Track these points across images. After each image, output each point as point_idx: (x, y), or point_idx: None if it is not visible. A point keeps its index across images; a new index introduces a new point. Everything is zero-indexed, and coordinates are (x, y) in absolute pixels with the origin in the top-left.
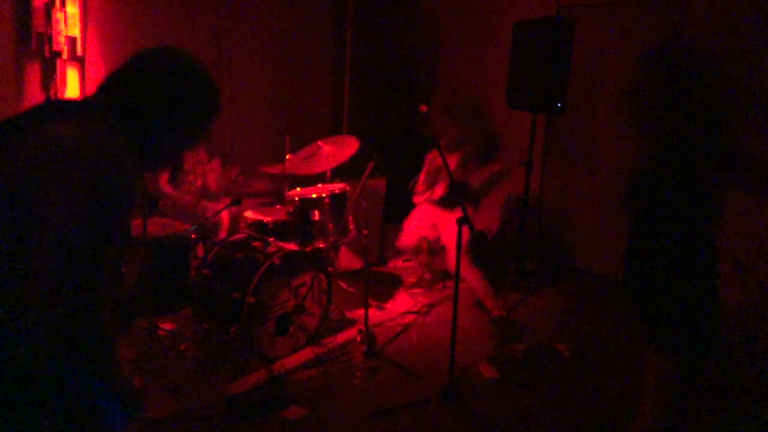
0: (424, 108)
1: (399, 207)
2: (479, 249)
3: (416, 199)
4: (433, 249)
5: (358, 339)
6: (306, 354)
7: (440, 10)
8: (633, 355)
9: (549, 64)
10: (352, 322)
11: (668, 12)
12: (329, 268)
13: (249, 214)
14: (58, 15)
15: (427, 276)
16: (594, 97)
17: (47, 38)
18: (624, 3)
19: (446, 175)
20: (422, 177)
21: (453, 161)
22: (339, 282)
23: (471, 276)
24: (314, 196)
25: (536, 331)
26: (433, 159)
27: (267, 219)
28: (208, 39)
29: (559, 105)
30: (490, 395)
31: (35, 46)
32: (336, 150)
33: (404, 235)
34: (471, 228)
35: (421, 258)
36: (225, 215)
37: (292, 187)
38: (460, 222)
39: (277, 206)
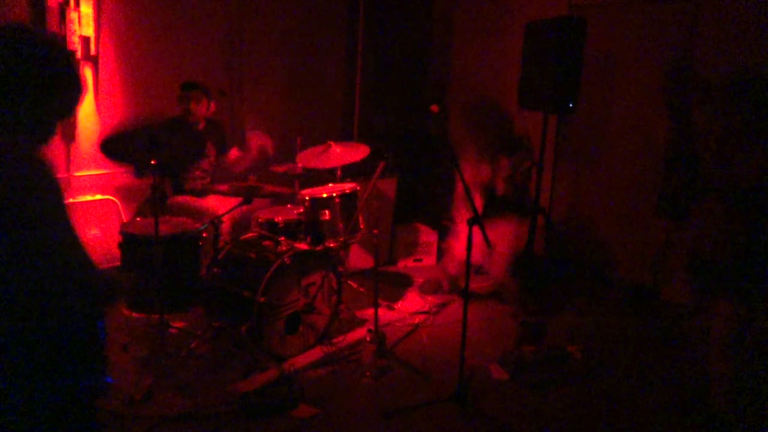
0: (435, 108)
1: (409, 207)
2: (523, 256)
3: (451, 224)
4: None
5: (368, 339)
6: (316, 353)
7: (452, 10)
8: (642, 357)
9: (561, 64)
10: (361, 322)
11: (681, 11)
12: (339, 268)
13: (260, 213)
14: (72, 15)
15: (444, 287)
16: (606, 98)
17: (61, 38)
18: (636, 2)
19: (482, 188)
20: (457, 201)
21: (485, 171)
22: (349, 281)
23: (507, 280)
24: (325, 195)
25: (548, 333)
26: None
27: (278, 218)
28: (220, 39)
29: (570, 105)
30: (500, 396)
31: None
32: (346, 151)
33: (451, 254)
34: (481, 228)
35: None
36: (226, 217)
37: (303, 187)
38: (471, 222)
39: (288, 206)
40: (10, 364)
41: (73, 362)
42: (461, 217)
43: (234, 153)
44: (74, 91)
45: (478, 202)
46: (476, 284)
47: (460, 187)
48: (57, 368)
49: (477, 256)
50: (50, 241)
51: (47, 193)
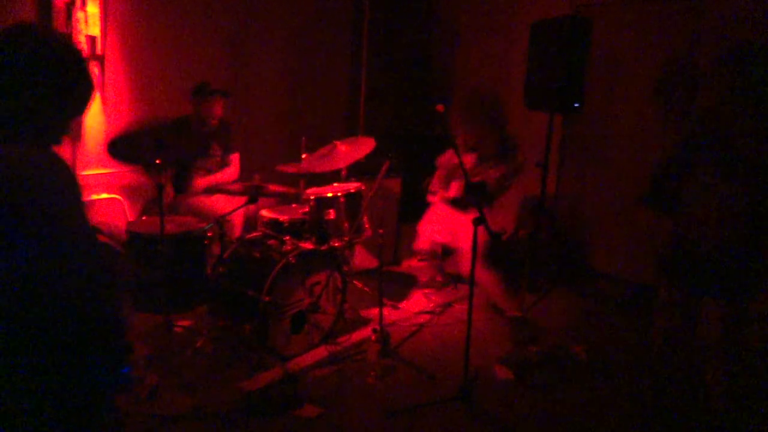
0: (440, 108)
1: (414, 207)
2: (494, 250)
3: (431, 198)
4: (447, 251)
5: (373, 338)
6: (320, 352)
7: (457, 10)
8: (646, 357)
9: (566, 63)
10: (366, 322)
11: (686, 10)
12: (344, 267)
13: (265, 212)
14: (79, 14)
15: (438, 279)
16: (611, 97)
17: (68, 37)
18: (641, 1)
19: (462, 174)
20: (437, 176)
21: (469, 160)
22: (354, 281)
23: (485, 278)
24: (330, 195)
25: (552, 333)
26: (449, 158)
27: (283, 218)
28: (226, 38)
29: (576, 105)
30: (504, 397)
31: None
32: (352, 149)
33: (420, 237)
34: (487, 228)
35: (434, 261)
36: (238, 214)
37: (308, 186)
38: (476, 222)
39: (293, 205)
40: (32, 356)
41: (96, 354)
42: (435, 194)
43: (236, 157)
44: (86, 89)
45: (458, 184)
46: (453, 268)
47: (441, 163)
48: (79, 361)
49: (447, 238)
50: (74, 235)
51: (68, 190)
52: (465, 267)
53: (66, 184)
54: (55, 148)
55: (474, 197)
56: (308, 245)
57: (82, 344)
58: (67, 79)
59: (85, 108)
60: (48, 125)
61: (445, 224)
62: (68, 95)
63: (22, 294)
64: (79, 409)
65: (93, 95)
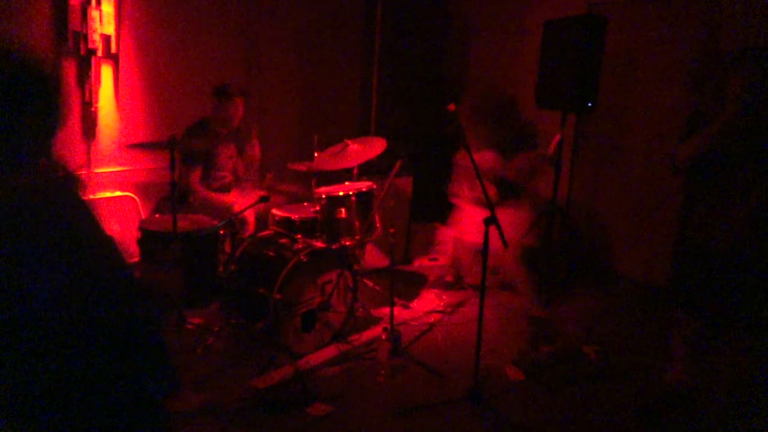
0: (452, 107)
1: (425, 206)
2: (532, 250)
3: (455, 200)
4: (479, 250)
5: (383, 337)
6: (331, 351)
7: (469, 8)
8: (657, 358)
9: (580, 62)
10: (377, 320)
11: (701, 9)
12: (355, 266)
13: (277, 211)
14: (94, 13)
15: (447, 278)
16: (625, 97)
17: (83, 36)
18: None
19: (489, 174)
20: (460, 177)
21: (490, 158)
22: (365, 280)
23: (518, 271)
24: (341, 194)
25: (564, 333)
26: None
27: (294, 216)
28: (238, 37)
29: (589, 105)
30: (514, 397)
31: (71, 44)
32: (363, 148)
33: (446, 238)
34: (498, 228)
35: (455, 261)
36: (250, 212)
37: (320, 185)
38: (487, 221)
39: (305, 204)
40: (81, 370)
41: (142, 362)
42: (462, 197)
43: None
44: (57, 104)
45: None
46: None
47: (462, 163)
48: (127, 370)
49: (478, 238)
50: (96, 251)
51: (82, 213)
52: (507, 262)
53: (79, 209)
54: (65, 148)
55: (491, 223)
56: (320, 244)
57: (128, 354)
58: (37, 94)
59: (59, 122)
60: (28, 144)
61: (474, 225)
62: (39, 112)
63: (60, 311)
64: (134, 415)
65: (64, 110)
